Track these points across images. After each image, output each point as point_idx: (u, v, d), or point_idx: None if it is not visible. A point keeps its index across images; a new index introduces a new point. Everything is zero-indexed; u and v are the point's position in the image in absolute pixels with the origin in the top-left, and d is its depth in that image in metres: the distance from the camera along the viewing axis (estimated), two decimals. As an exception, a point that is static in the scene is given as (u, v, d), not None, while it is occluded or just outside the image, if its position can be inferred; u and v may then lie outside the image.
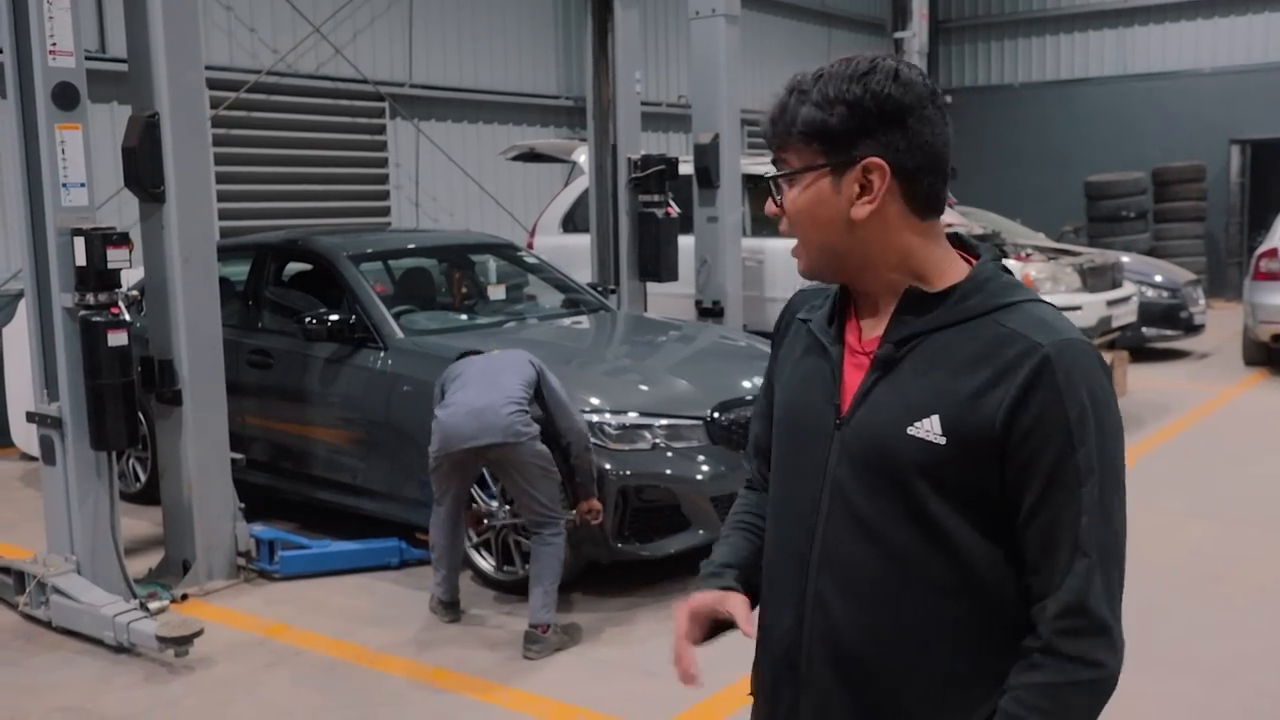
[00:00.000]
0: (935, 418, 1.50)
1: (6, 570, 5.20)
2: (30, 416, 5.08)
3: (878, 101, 1.52)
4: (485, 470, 5.18)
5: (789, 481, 1.67)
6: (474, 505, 5.17)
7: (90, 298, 4.78)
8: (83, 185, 4.84)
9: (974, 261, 1.61)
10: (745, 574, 1.79)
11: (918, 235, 1.57)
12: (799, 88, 1.56)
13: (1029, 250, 9.83)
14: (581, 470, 4.81)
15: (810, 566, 1.61)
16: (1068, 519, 1.46)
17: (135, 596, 4.98)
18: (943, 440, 1.49)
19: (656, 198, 8.38)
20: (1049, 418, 1.45)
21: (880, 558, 1.54)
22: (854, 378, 1.60)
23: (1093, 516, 1.46)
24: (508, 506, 5.18)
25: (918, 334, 1.55)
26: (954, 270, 1.58)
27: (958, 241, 1.66)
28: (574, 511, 4.85)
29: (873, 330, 1.61)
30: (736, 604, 1.71)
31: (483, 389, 4.68)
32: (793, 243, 1.65)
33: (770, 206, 1.64)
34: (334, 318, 5.85)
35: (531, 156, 10.70)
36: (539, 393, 4.76)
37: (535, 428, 4.63)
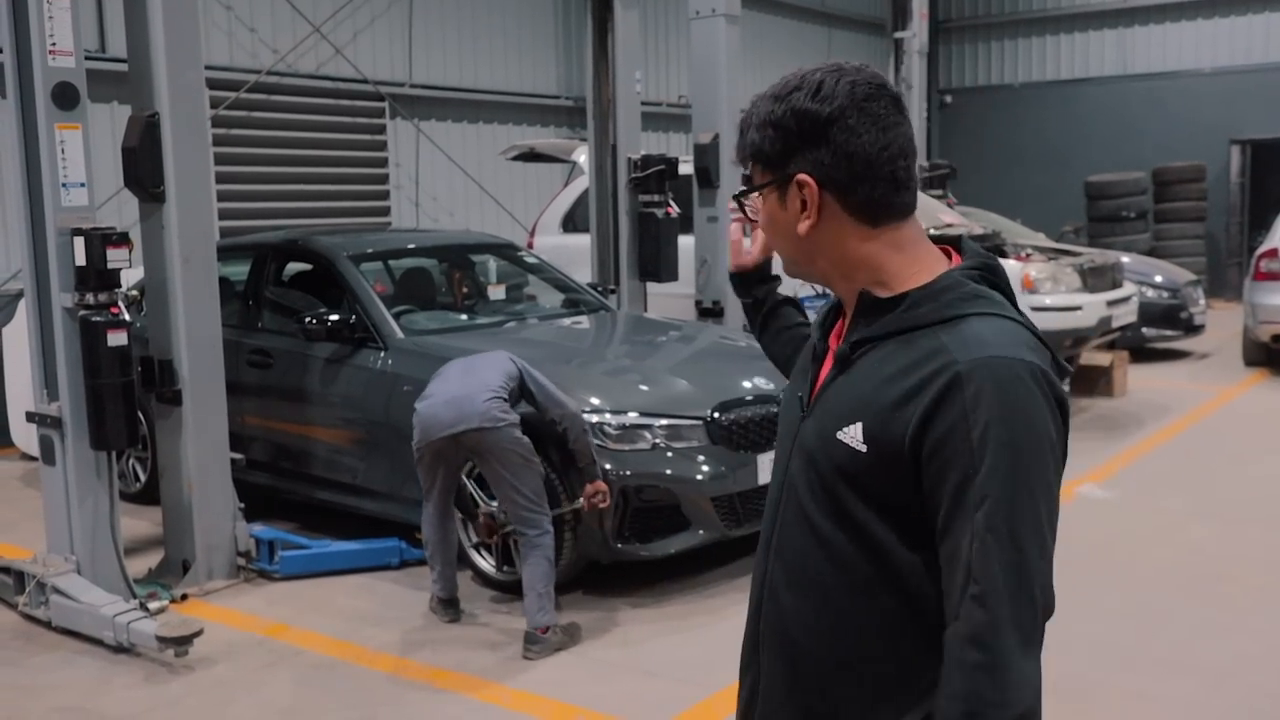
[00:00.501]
0: (859, 425, 1.51)
1: (6, 570, 5.20)
2: (30, 416, 5.08)
3: (797, 119, 1.53)
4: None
5: (773, 471, 1.73)
6: (481, 509, 5.16)
7: (90, 297, 4.78)
8: (82, 185, 4.84)
9: (951, 264, 1.61)
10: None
11: (871, 242, 1.57)
12: (749, 110, 1.62)
13: (1029, 250, 9.82)
14: (581, 454, 4.81)
15: (770, 553, 1.66)
16: (965, 545, 1.42)
17: (135, 596, 4.98)
18: (863, 448, 1.50)
19: (656, 198, 8.38)
20: (952, 438, 1.43)
21: (818, 553, 1.58)
22: (825, 376, 1.65)
23: (989, 544, 1.40)
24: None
25: (869, 339, 1.56)
26: (917, 277, 1.56)
27: (957, 244, 1.65)
28: (580, 499, 4.85)
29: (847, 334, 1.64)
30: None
31: (461, 380, 4.71)
32: None
33: (753, 219, 1.71)
34: (334, 318, 5.84)
35: (531, 156, 10.70)
36: (526, 390, 4.76)
37: (514, 415, 4.63)
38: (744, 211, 1.69)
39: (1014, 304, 1.58)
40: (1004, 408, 1.41)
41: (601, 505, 4.86)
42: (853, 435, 1.51)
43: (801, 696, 1.63)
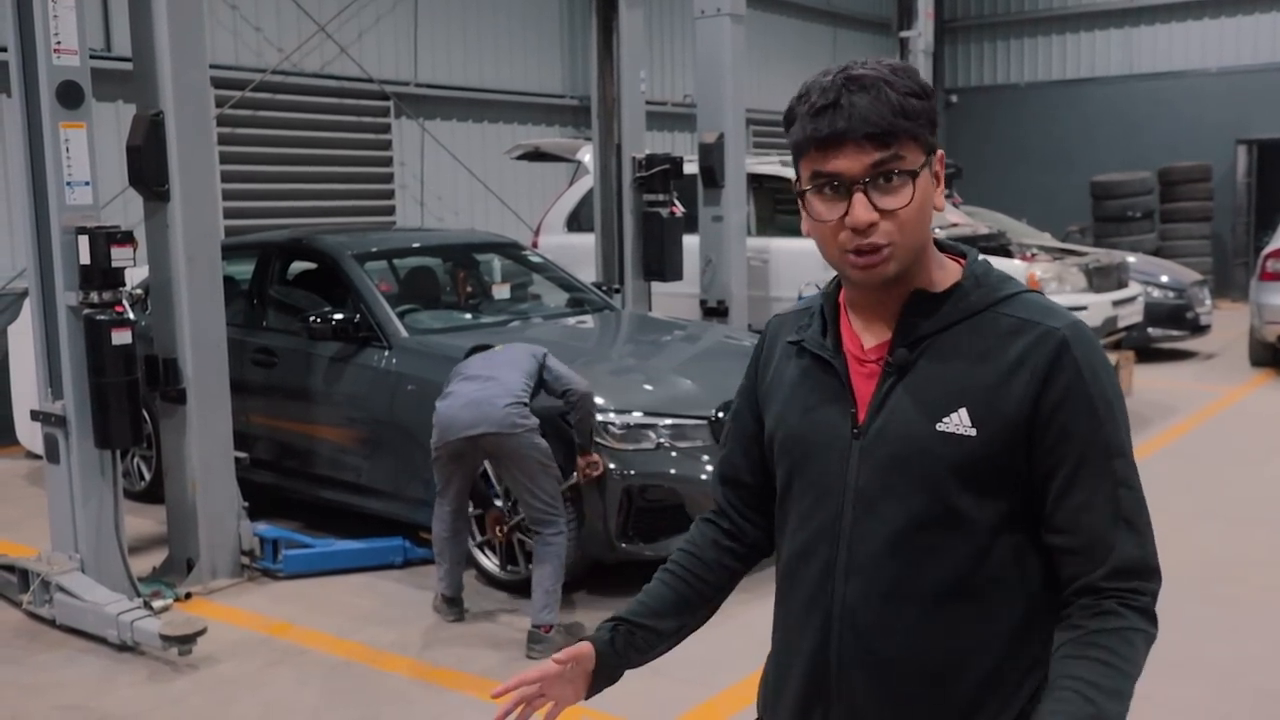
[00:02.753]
0: (963, 411, 1.50)
1: (11, 568, 5.21)
2: (35, 415, 5.09)
3: (928, 95, 1.53)
4: (489, 466, 5.19)
5: (803, 499, 1.63)
6: (493, 506, 5.16)
7: (94, 296, 4.79)
8: (87, 184, 4.84)
9: (961, 260, 1.62)
10: (628, 626, 1.76)
11: None
12: (869, 81, 1.46)
13: (1034, 250, 9.81)
14: (582, 429, 4.85)
15: (835, 578, 1.58)
16: (1105, 493, 1.48)
17: (139, 595, 4.98)
18: (973, 432, 1.50)
19: (661, 197, 8.37)
20: (1074, 396, 1.48)
21: (909, 563, 1.54)
22: (864, 386, 1.59)
23: (1127, 488, 1.50)
24: (512, 506, 5.17)
25: (928, 334, 1.55)
26: (943, 268, 1.59)
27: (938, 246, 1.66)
28: (575, 474, 4.87)
29: (875, 338, 1.60)
30: (568, 654, 1.69)
31: (483, 382, 4.71)
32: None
33: (865, 214, 1.48)
34: (338, 317, 5.85)
35: (536, 156, 10.70)
36: (542, 379, 4.78)
37: (534, 420, 4.64)
38: (870, 202, 1.48)
39: None
40: (1106, 366, 1.52)
41: (595, 474, 4.89)
42: (957, 423, 1.50)
43: (905, 713, 1.58)
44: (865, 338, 1.60)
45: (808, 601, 1.62)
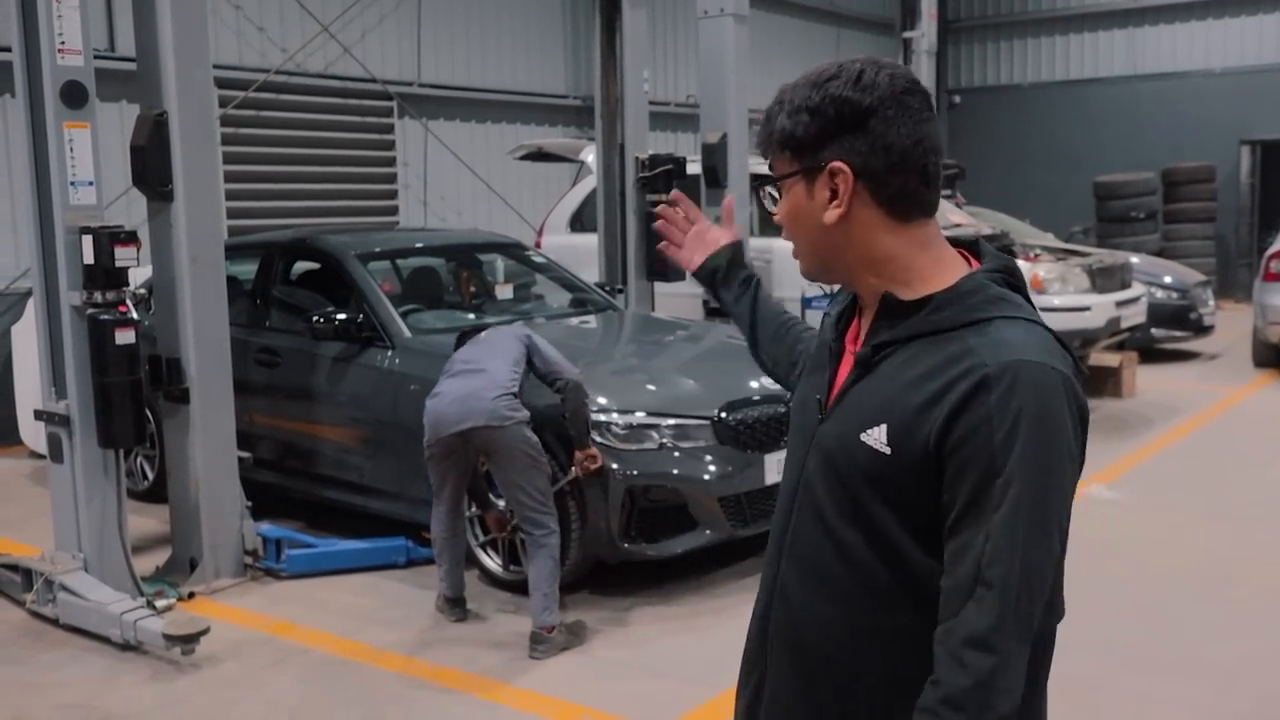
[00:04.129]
0: (884, 427, 1.50)
1: (14, 568, 5.21)
2: (38, 414, 5.09)
3: (836, 106, 1.52)
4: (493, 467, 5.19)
5: (785, 470, 1.72)
6: (493, 506, 5.16)
7: (98, 296, 4.79)
8: (91, 184, 4.85)
9: (969, 266, 1.60)
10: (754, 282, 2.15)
11: (898, 238, 1.56)
12: (779, 97, 1.59)
13: (1038, 251, 9.81)
14: (576, 422, 4.82)
15: (782, 555, 1.65)
16: (977, 544, 1.42)
17: (142, 594, 4.98)
18: (887, 450, 1.50)
19: (664, 197, 8.36)
20: (974, 440, 1.42)
21: (834, 556, 1.57)
22: (845, 378, 1.63)
23: (1002, 547, 1.41)
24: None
25: (892, 341, 1.55)
26: (940, 277, 1.56)
27: (972, 247, 1.64)
28: (574, 469, 4.86)
29: (864, 333, 1.62)
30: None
31: (469, 375, 4.73)
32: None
33: (774, 211, 1.68)
34: (341, 317, 5.85)
35: (539, 156, 10.70)
36: (531, 364, 4.79)
37: (524, 413, 4.64)
38: (763, 203, 1.70)
39: (1031, 307, 1.58)
40: (1029, 414, 1.42)
41: (593, 468, 4.86)
42: (876, 437, 1.51)
43: (811, 700, 1.61)
44: (863, 332, 1.63)
45: (768, 574, 1.70)
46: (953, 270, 1.57)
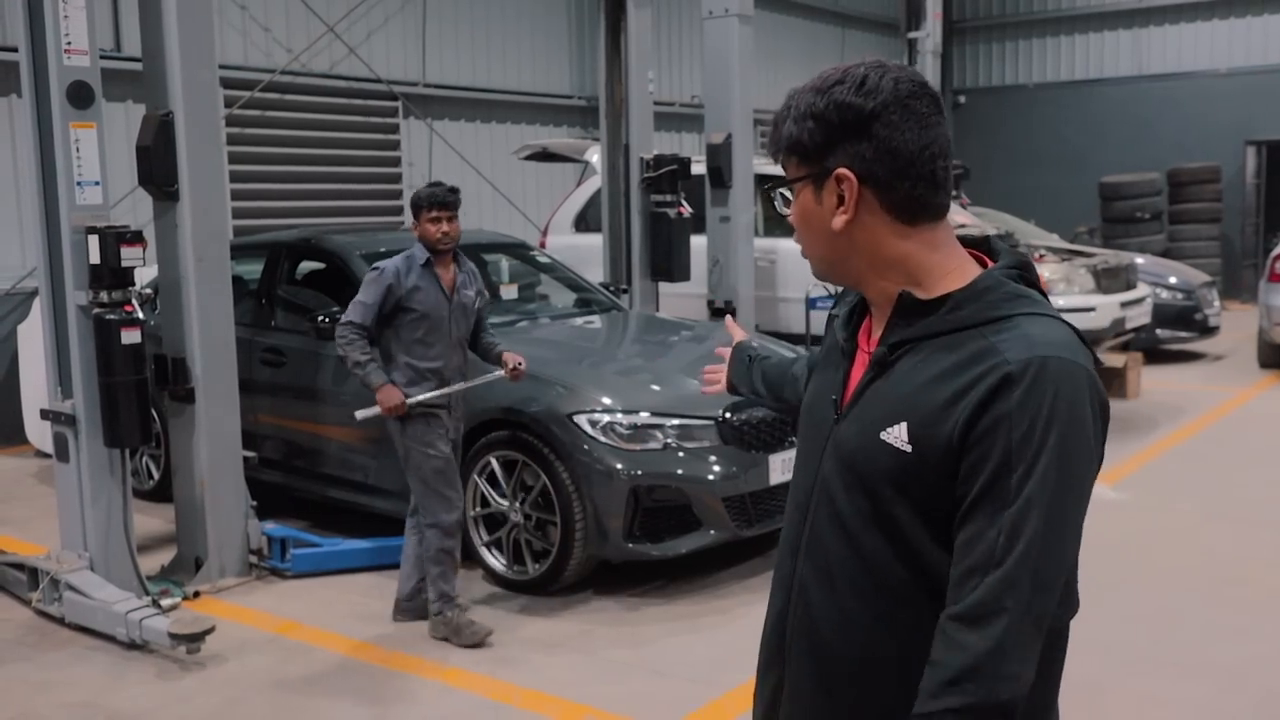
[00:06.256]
0: (904, 425, 1.50)
1: (20, 566, 5.23)
2: (44, 414, 5.10)
3: (839, 112, 1.52)
4: (497, 466, 5.20)
5: (797, 470, 1.72)
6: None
7: (104, 295, 4.80)
8: (97, 184, 4.86)
9: (984, 266, 1.61)
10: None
11: (907, 241, 1.56)
12: (786, 103, 1.60)
13: (1043, 251, 9.79)
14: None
15: (800, 554, 1.65)
16: (989, 535, 1.43)
17: (147, 593, 4.99)
18: (908, 449, 1.50)
19: (669, 197, 8.38)
20: (995, 433, 1.43)
21: (852, 555, 1.57)
22: (859, 377, 1.63)
23: (1011, 541, 1.41)
24: (519, 505, 5.19)
25: (909, 340, 1.55)
26: (955, 276, 1.56)
27: (984, 247, 1.64)
28: (502, 371, 4.90)
29: (878, 333, 1.62)
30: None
31: None
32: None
33: (786, 213, 1.69)
34: (346, 316, 5.85)
35: (544, 156, 10.71)
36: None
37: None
38: (773, 203, 1.70)
39: (1048, 303, 1.59)
40: (1052, 408, 1.42)
41: (521, 368, 4.88)
42: (896, 435, 1.51)
43: (831, 698, 1.62)
44: (875, 330, 1.64)
45: (781, 567, 1.70)
46: (966, 269, 1.57)
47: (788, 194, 1.64)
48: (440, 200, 4.78)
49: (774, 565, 1.77)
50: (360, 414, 4.82)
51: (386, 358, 4.77)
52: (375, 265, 4.85)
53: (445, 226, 4.78)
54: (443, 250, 4.80)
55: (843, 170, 1.53)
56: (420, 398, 4.69)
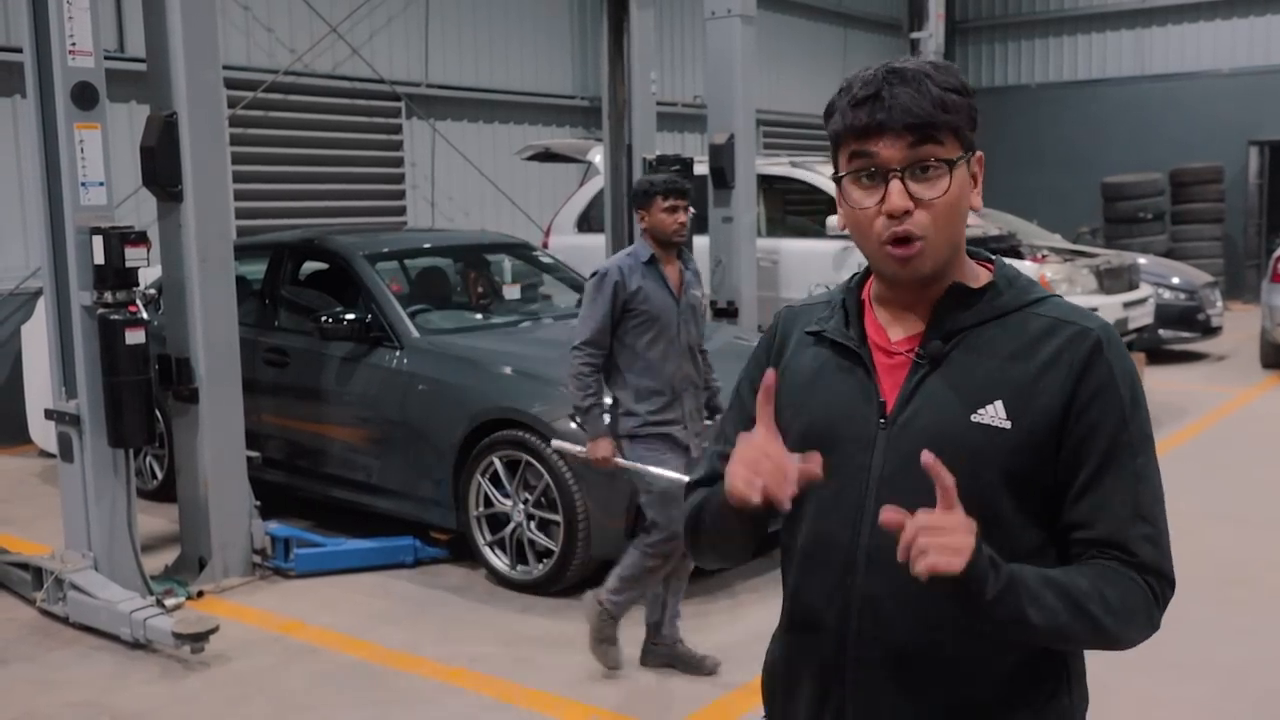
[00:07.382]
0: (999, 403, 1.52)
1: (24, 566, 5.24)
2: (48, 414, 5.12)
3: (968, 93, 1.55)
4: (500, 466, 5.21)
5: (823, 487, 1.57)
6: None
7: (108, 296, 4.82)
8: (101, 184, 4.87)
9: (988, 265, 1.66)
10: None
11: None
12: (910, 74, 1.50)
13: (1045, 251, 9.79)
14: None
15: (856, 570, 1.56)
16: (1127, 490, 1.50)
17: (151, 593, 5.00)
18: (1008, 424, 1.51)
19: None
20: (1105, 395, 1.51)
21: None
22: (890, 377, 1.59)
23: (1147, 487, 1.52)
24: (522, 505, 5.20)
25: (962, 328, 1.57)
26: (973, 268, 1.62)
27: None
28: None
29: (904, 330, 1.60)
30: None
31: None
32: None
33: (900, 200, 1.50)
34: (350, 317, 5.87)
35: (547, 156, 10.71)
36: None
37: None
38: (906, 191, 1.51)
39: None
40: (1132, 369, 1.56)
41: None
42: (992, 415, 1.51)
43: (928, 706, 1.56)
44: (893, 330, 1.61)
45: (826, 591, 1.60)
46: (972, 263, 1.64)
47: (904, 176, 1.51)
48: (677, 187, 4.31)
49: (790, 583, 1.68)
50: (557, 444, 4.65)
51: (609, 374, 4.32)
52: (594, 270, 4.36)
53: (682, 216, 4.31)
54: (676, 243, 4.35)
55: (979, 151, 1.58)
56: (624, 463, 4.24)
